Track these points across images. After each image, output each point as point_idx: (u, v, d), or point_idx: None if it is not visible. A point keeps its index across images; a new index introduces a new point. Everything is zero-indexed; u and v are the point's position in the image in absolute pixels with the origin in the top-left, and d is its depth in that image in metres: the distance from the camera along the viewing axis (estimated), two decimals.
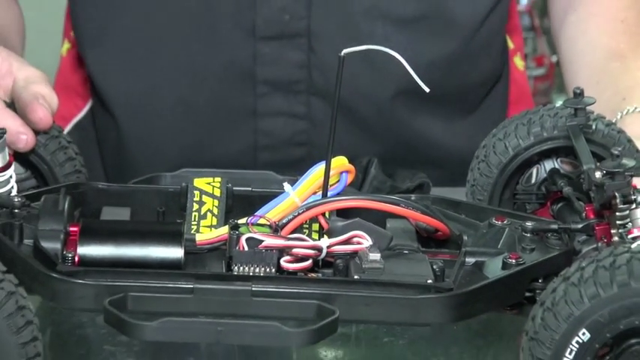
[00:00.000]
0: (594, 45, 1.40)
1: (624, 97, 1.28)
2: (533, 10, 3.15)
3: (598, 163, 0.91)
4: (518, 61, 1.58)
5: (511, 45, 1.57)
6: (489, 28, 1.45)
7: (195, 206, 0.98)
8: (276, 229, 0.91)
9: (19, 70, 1.09)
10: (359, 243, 0.89)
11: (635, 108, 1.25)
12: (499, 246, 0.93)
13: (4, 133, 0.94)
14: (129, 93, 1.40)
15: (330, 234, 0.90)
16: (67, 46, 1.57)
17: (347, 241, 0.89)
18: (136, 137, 1.42)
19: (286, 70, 1.37)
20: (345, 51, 0.94)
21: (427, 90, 0.95)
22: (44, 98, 1.04)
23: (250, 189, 1.05)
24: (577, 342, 0.77)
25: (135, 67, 1.40)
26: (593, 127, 1.01)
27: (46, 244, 0.88)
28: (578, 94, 0.98)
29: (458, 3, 1.40)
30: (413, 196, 1.04)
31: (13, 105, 1.07)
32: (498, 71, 1.53)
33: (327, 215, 0.93)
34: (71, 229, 0.90)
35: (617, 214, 0.87)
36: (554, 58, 3.07)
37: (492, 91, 1.48)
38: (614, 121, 1.14)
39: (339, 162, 0.97)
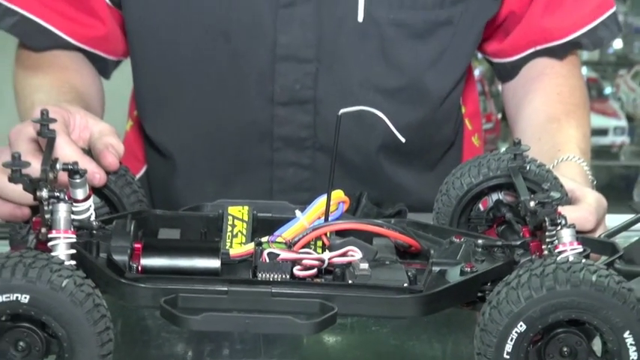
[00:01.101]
0: (537, 111, 1.41)
1: (559, 149, 1.29)
2: (484, 79, 3.22)
3: (532, 195, 0.93)
4: (475, 141, 1.58)
5: (470, 127, 1.56)
6: (452, 100, 1.44)
7: (229, 228, 0.99)
8: (290, 245, 0.93)
9: (94, 125, 1.09)
10: (352, 256, 0.91)
11: (567, 157, 1.25)
12: (458, 258, 0.94)
13: (85, 172, 0.95)
14: (179, 145, 1.40)
15: (330, 249, 0.93)
16: (130, 123, 1.56)
17: (343, 255, 0.91)
18: (184, 176, 1.41)
19: (297, 129, 1.36)
20: (341, 111, 0.95)
21: (403, 140, 0.96)
22: (113, 147, 1.05)
23: (270, 215, 1.06)
24: (516, 332, 0.79)
25: (182, 126, 1.40)
26: (528, 167, 1.02)
27: (117, 257, 0.90)
28: (517, 143, 0.99)
29: (431, 78, 1.37)
30: (393, 220, 1.05)
31: (90, 152, 1.09)
32: (454, 136, 1.51)
33: (328, 235, 0.95)
34: (136, 245, 0.93)
35: (547, 233, 0.89)
36: (499, 116, 3.11)
37: (451, 150, 1.48)
38: (551, 167, 1.16)
39: (338, 194, 0.98)
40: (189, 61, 1.36)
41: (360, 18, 1.28)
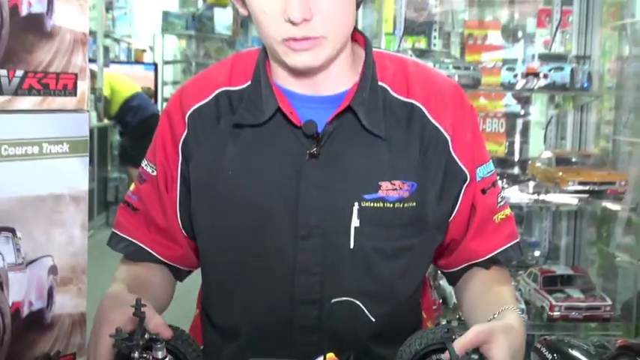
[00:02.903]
0: (479, 283, 1.47)
1: (500, 302, 1.34)
2: (428, 276, 3.77)
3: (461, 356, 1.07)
4: (430, 324, 1.61)
5: (425, 315, 1.61)
6: (414, 299, 1.50)
7: None
8: None
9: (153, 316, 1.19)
10: None
11: (508, 307, 1.30)
12: None
13: (164, 341, 1.15)
14: (239, 324, 1.47)
15: None
16: (196, 311, 1.62)
17: None
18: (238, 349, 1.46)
19: (309, 319, 1.40)
20: (333, 300, 1.16)
21: (373, 320, 1.19)
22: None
23: None
24: None
25: (231, 299, 1.47)
26: (454, 337, 1.10)
27: None
28: (448, 322, 1.19)
29: (399, 286, 1.43)
30: None
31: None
32: (415, 323, 1.55)
33: None
34: None
35: None
36: (440, 300, 3.50)
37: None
38: (497, 313, 1.29)
39: (330, 356, 1.08)
40: (239, 269, 1.42)
41: (351, 246, 1.36)
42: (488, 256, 1.47)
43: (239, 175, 1.37)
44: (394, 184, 1.34)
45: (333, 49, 1.30)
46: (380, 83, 1.39)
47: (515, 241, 1.49)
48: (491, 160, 1.47)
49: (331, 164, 1.35)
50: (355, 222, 1.34)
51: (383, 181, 1.34)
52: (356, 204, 1.34)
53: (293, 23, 1.23)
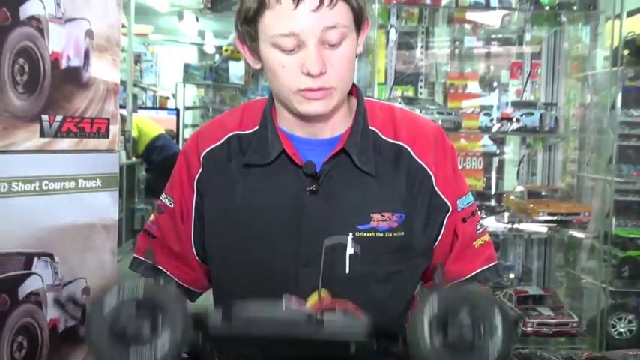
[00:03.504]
0: None
1: None
2: (416, 295, 3.89)
3: None
4: None
5: None
6: (403, 314, 1.42)
7: None
8: None
9: None
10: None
11: None
12: None
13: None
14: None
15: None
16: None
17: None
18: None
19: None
20: (325, 240, 1.16)
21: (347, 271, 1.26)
22: None
23: None
24: None
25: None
26: None
27: None
28: None
29: (391, 304, 1.39)
30: None
31: None
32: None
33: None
34: None
35: None
36: None
37: None
38: None
39: (324, 292, 1.08)
40: (247, 292, 1.21)
41: (347, 271, 1.33)
42: (467, 276, 1.44)
43: (247, 209, 1.36)
44: (384, 216, 1.34)
45: (339, 98, 1.31)
46: (371, 127, 1.39)
47: (492, 264, 1.46)
48: (470, 192, 1.47)
49: (328, 199, 1.34)
50: (350, 250, 1.32)
51: (374, 214, 1.34)
52: (350, 234, 1.32)
53: (311, 75, 1.24)
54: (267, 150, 1.36)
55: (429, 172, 1.38)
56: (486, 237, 1.48)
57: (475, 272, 1.45)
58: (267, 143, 1.36)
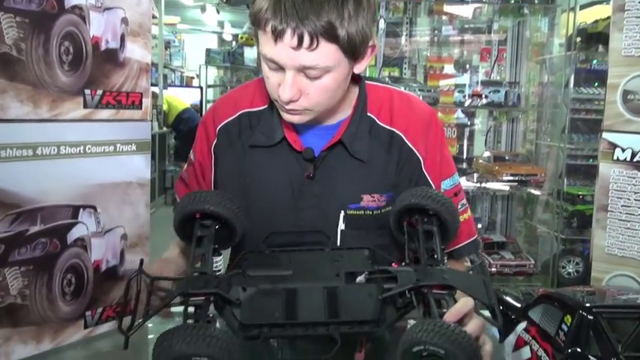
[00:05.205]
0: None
1: None
2: None
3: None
4: None
5: None
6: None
7: None
8: None
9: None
10: None
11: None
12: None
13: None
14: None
15: None
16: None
17: None
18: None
19: None
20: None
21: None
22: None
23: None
24: None
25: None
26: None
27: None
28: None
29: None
30: None
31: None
32: None
33: None
34: None
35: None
36: None
37: None
38: None
39: None
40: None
41: (338, 245, 1.25)
42: (450, 249, 1.37)
43: (252, 184, 1.30)
44: (373, 197, 1.27)
45: (317, 113, 1.20)
46: (369, 114, 1.30)
47: (472, 239, 1.37)
48: (456, 173, 1.37)
49: (324, 182, 1.27)
50: (341, 226, 1.27)
51: (364, 194, 1.27)
52: (342, 212, 1.27)
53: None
54: (271, 133, 1.29)
55: (419, 156, 1.31)
56: (467, 215, 1.39)
57: (457, 247, 1.37)
58: (273, 127, 1.29)
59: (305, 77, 1.11)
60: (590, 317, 0.91)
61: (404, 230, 1.08)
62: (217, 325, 0.89)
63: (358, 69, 1.19)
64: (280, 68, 1.10)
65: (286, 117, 1.20)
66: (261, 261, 1.02)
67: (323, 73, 1.10)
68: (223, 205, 1.05)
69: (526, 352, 1.02)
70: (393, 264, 1.01)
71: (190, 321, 0.87)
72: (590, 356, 0.89)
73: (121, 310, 0.95)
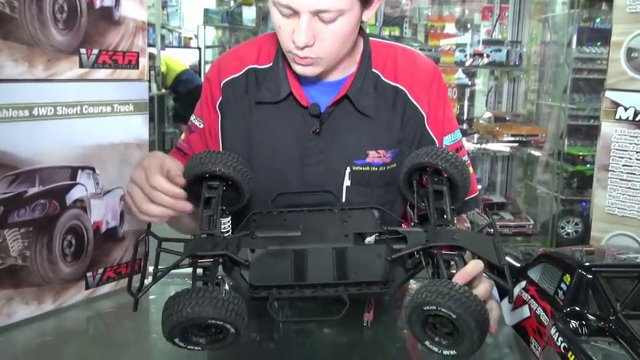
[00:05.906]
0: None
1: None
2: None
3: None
4: None
5: None
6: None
7: None
8: None
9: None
10: None
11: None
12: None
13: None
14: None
15: None
16: None
17: None
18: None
19: None
20: None
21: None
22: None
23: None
24: None
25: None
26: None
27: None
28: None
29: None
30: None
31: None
32: None
33: None
34: None
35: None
36: None
37: None
38: None
39: None
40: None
41: (343, 201, 1.26)
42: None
43: (258, 139, 1.29)
44: (379, 153, 1.27)
45: (329, 64, 1.21)
46: (374, 70, 1.30)
47: (474, 195, 1.35)
48: (458, 130, 1.37)
49: (330, 138, 1.27)
50: (347, 182, 1.26)
51: (370, 151, 1.27)
52: (348, 168, 1.26)
53: (297, 46, 1.14)
54: (277, 89, 1.28)
55: (422, 112, 1.30)
56: (469, 171, 1.36)
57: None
58: (279, 82, 1.28)
59: (319, 21, 1.12)
60: (589, 276, 0.91)
61: (413, 189, 1.07)
62: (226, 286, 0.89)
63: (366, 15, 1.20)
64: (294, 14, 1.12)
65: (298, 69, 1.20)
66: (270, 222, 1.02)
67: (337, 15, 1.12)
68: (232, 166, 1.04)
69: (525, 310, 1.02)
70: (403, 224, 1.00)
71: (199, 283, 0.87)
72: (588, 315, 0.89)
73: (130, 270, 0.95)
